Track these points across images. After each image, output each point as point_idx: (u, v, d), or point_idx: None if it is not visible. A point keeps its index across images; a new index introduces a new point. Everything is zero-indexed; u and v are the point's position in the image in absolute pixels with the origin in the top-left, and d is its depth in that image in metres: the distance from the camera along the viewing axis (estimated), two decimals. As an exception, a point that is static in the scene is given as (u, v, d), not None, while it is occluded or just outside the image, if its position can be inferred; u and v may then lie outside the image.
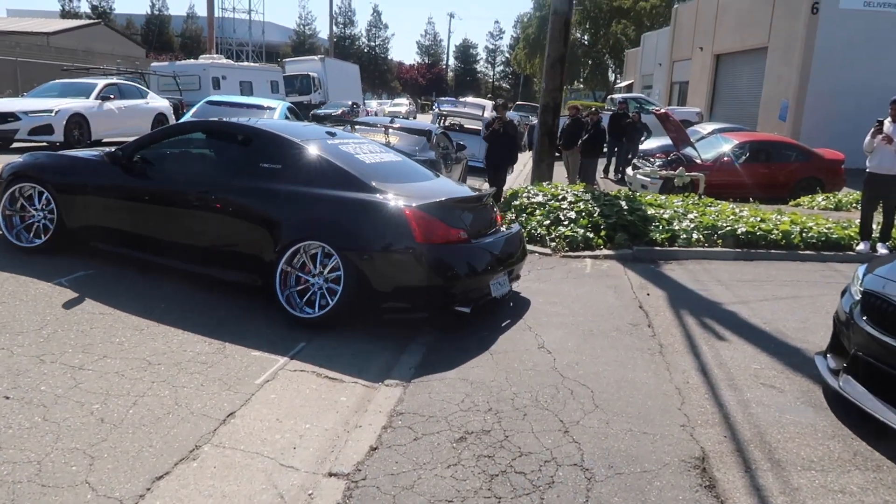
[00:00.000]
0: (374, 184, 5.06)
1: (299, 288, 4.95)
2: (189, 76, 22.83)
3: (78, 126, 13.32)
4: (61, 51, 30.37)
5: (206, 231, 5.31)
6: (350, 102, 29.93)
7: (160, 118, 16.14)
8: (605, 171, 17.26)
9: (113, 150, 5.79)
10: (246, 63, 35.23)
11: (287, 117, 12.79)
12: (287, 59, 36.82)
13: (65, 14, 61.02)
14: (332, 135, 5.94)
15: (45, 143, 12.71)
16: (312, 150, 5.31)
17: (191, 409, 3.59)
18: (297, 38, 71.99)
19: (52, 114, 12.75)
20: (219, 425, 3.46)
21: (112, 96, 14.59)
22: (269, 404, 3.75)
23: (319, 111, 24.86)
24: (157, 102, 16.65)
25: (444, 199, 5.19)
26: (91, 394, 3.63)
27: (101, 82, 15.10)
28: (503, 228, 5.80)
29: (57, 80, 15.89)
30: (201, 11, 60.28)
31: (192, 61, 26.36)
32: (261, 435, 3.42)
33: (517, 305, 5.61)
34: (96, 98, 14.12)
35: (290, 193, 5.06)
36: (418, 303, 4.89)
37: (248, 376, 4.05)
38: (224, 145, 5.88)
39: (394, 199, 4.91)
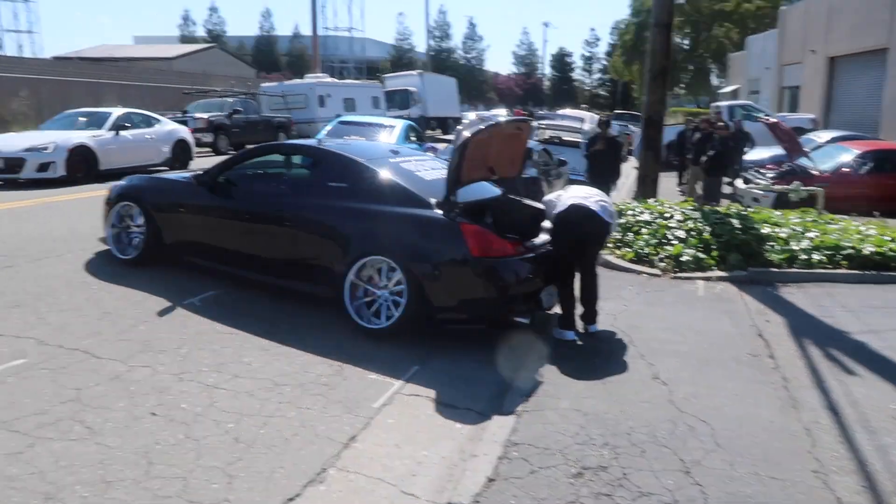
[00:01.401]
0: (432, 200, 5.22)
1: (367, 300, 5.23)
2: (296, 95, 23.96)
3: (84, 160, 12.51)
4: (182, 74, 32.67)
5: (283, 246, 5.69)
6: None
7: (181, 145, 15.19)
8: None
9: (199, 172, 6.38)
10: (349, 80, 36.51)
11: (408, 135, 13.11)
12: (386, 75, 37.82)
13: (184, 39, 65.47)
14: (396, 153, 6.22)
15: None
16: (375, 169, 5.58)
17: (315, 431, 3.77)
18: (396, 53, 73.85)
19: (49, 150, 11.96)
20: (342, 449, 3.61)
21: (128, 124, 13.99)
22: (388, 429, 3.88)
23: None
24: (169, 127, 15.30)
25: None
26: (225, 413, 3.89)
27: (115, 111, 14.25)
28: None
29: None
30: (305, 30, 63.00)
31: (298, 81, 27.61)
32: (381, 460, 3.54)
33: (628, 331, 5.50)
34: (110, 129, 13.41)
35: (355, 210, 5.36)
36: (476, 314, 5.06)
37: (366, 399, 4.20)
38: (296, 166, 6.37)
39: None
